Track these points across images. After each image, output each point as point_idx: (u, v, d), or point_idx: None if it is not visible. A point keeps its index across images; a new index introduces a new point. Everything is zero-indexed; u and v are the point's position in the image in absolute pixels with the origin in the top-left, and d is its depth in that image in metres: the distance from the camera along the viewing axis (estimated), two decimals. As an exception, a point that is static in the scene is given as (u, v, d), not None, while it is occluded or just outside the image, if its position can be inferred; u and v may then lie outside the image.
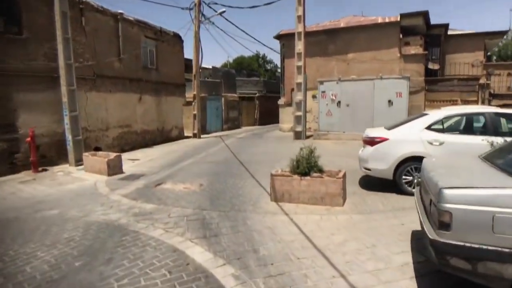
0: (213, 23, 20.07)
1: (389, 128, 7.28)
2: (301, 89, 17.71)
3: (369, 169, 7.14)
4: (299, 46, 17.66)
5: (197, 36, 18.81)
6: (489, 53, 28.71)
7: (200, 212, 6.07)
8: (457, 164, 3.88)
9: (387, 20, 20.70)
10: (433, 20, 21.45)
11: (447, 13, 69.13)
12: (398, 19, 20.30)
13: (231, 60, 41.75)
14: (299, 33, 17.61)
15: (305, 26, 17.80)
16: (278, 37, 23.83)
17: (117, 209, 6.42)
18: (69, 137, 11.02)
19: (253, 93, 30.91)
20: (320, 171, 6.35)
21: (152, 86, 16.79)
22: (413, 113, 17.60)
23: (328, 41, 21.73)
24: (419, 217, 3.38)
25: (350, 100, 17.06)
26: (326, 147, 14.51)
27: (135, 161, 12.12)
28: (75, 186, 8.59)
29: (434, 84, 20.52)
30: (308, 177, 6.22)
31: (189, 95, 20.58)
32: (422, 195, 3.80)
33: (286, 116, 23.32)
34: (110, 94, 13.86)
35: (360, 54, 21.19)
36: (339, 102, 17.22)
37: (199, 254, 4.23)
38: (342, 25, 21.79)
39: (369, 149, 7.13)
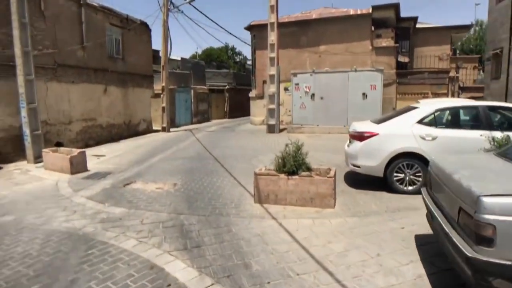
0: (182, 12, 19.16)
1: (378, 122, 6.93)
2: (274, 81, 17.23)
3: (358, 166, 6.78)
4: (272, 37, 17.14)
5: (166, 25, 17.85)
6: (453, 47, 29.43)
7: (177, 217, 5.47)
8: (478, 163, 3.50)
9: (359, 12, 20.55)
10: (402, 14, 21.53)
11: (414, 7, 70.67)
12: (370, 11, 20.20)
13: (200, 52, 40.71)
14: (272, 24, 17.08)
15: (278, 17, 17.28)
16: (249, 28, 23.20)
17: (81, 214, 5.70)
18: (26, 131, 9.99)
19: (222, 85, 30.14)
20: (308, 169, 5.91)
21: (118, 76, 15.77)
22: (385, 106, 17.66)
23: (300, 33, 21.34)
24: (431, 221, 2.96)
25: (324, 92, 16.78)
26: (300, 141, 14.17)
27: (101, 157, 11.23)
28: (33, 186, 7.71)
29: (405, 77, 20.69)
30: (296, 176, 5.76)
31: (157, 87, 19.63)
32: (435, 197, 3.40)
33: (258, 109, 22.83)
34: (72, 84, 12.79)
35: (332, 46, 20.96)
36: (313, 95, 16.91)
37: (181, 271, 3.66)
38: (314, 16, 21.45)
39: (358, 144, 6.76)
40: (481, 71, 26.11)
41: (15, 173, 9.07)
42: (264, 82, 22.41)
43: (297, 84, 17.18)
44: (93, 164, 9.92)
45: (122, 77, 16.02)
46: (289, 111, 20.97)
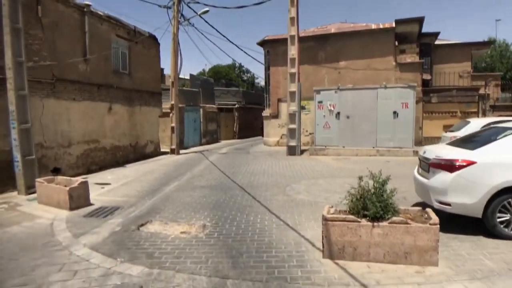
0: (192, 25, 17.87)
1: (472, 148, 5.32)
2: (295, 98, 15.76)
3: (448, 204, 5.13)
4: (292, 51, 15.77)
5: (176, 38, 16.51)
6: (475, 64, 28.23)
7: (223, 283, 3.81)
8: None
9: (381, 27, 19.32)
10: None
11: (430, 23, 70.12)
12: (393, 25, 18.99)
13: (207, 69, 39.34)
14: (292, 37, 15.74)
15: (298, 29, 15.95)
16: (262, 43, 21.95)
17: (85, 278, 4.05)
18: (17, 156, 8.39)
19: (232, 104, 28.72)
20: (395, 211, 4.27)
21: (124, 93, 14.28)
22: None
23: (318, 48, 20.08)
24: None
25: (350, 111, 15.29)
26: (328, 165, 12.62)
27: (106, 186, 9.59)
28: (21, 229, 6.04)
29: (428, 95, 19.25)
30: (384, 223, 4.12)
31: (164, 105, 18.13)
32: None
33: (272, 129, 21.33)
34: (73, 102, 11.28)
35: (352, 62, 19.67)
36: (338, 114, 15.40)
37: None
38: (333, 30, 20.23)
39: (447, 176, 5.14)
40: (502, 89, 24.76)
41: (0, 208, 7.41)
42: (279, 100, 21.03)
43: (320, 102, 15.70)
44: (96, 195, 8.29)
45: (128, 94, 14.54)
46: (306, 131, 19.54)
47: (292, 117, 15.82)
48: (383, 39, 19.29)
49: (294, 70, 15.78)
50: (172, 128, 16.91)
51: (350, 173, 10.72)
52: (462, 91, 19.27)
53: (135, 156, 15.03)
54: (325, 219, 4.34)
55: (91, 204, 7.46)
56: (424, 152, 5.99)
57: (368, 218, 4.19)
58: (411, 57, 19.51)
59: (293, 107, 15.84)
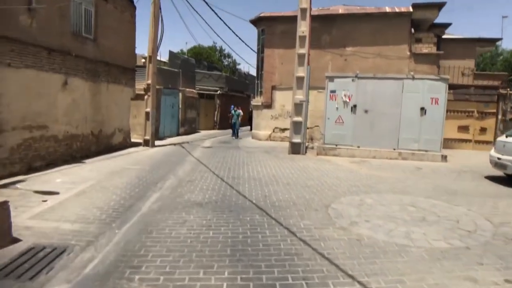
0: (177, -11, 14.48)
1: None
2: (303, 85, 12.91)
3: None
4: (303, 27, 12.88)
5: (157, 0, 13.09)
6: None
7: None
8: None
9: (397, 10, 16.76)
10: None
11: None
12: (410, 10, 16.48)
13: (186, 49, 35.23)
14: (304, 10, 12.83)
15: (311, 1, 13.01)
16: (256, 21, 18.86)
17: None
18: None
19: (214, 90, 25.38)
20: None
21: (87, 65, 10.83)
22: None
23: (322, 31, 17.29)
24: None
25: (369, 104, 12.62)
26: (352, 171, 9.95)
27: (50, 197, 6.30)
28: None
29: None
30: None
31: (137, 86, 14.68)
32: None
33: (263, 121, 18.40)
34: (8, 69, 7.79)
35: (361, 48, 17.06)
36: (354, 107, 12.69)
37: None
38: (340, 11, 17.44)
39: None
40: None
41: None
42: (274, 88, 18.11)
43: (333, 91, 12.91)
44: (31, 218, 5.10)
45: (92, 66, 11.07)
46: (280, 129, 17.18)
47: (298, 108, 12.95)
48: (397, 25, 16.78)
49: (303, 51, 12.90)
50: (147, 114, 13.56)
51: (390, 185, 8.12)
52: (480, 89, 17.12)
53: (98, 149, 11.62)
54: None
55: (15, 241, 4.28)
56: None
57: None
58: (427, 48, 17.15)
59: (300, 95, 12.98)
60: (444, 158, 12.08)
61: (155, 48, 13.52)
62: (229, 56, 42.42)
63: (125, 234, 4.68)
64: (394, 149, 12.44)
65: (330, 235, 4.77)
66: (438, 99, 12.25)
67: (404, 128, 12.39)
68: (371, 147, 12.56)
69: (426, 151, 12.25)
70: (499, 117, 16.41)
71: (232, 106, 20.18)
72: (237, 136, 19.58)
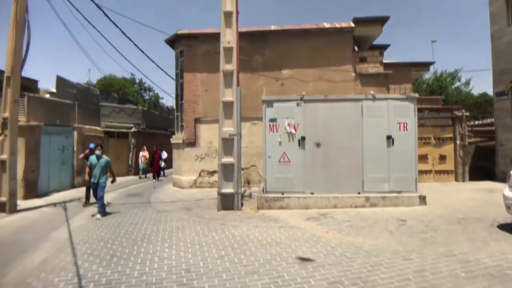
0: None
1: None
2: (232, 113, 9.44)
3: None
4: (228, 36, 9.61)
5: (25, 3, 8.96)
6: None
7: None
8: None
9: (337, 26, 14.39)
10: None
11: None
12: (352, 25, 14.24)
13: (94, 80, 30.00)
14: (228, 14, 9.63)
15: (238, 4, 9.85)
16: (173, 40, 15.36)
17: None
18: None
19: (127, 127, 20.92)
20: None
21: None
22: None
23: (253, 51, 14.38)
24: None
25: (321, 135, 9.50)
26: (306, 237, 6.15)
27: None
28: None
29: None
30: None
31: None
32: None
33: (186, 163, 14.52)
34: None
35: (299, 71, 14.32)
36: (302, 139, 9.46)
37: None
38: (273, 28, 14.65)
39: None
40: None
41: None
42: (197, 120, 14.46)
43: (273, 120, 9.58)
44: None
45: None
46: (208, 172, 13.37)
47: (227, 144, 9.37)
48: (339, 43, 14.39)
49: (230, 67, 9.52)
50: (2, 163, 8.96)
51: (392, 272, 4.67)
52: (435, 113, 15.09)
53: None
54: None
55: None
56: None
57: None
58: (373, 67, 14.89)
59: (229, 127, 9.44)
60: (423, 200, 9.18)
61: (17, 65, 9.21)
62: (150, 89, 37.90)
63: None
64: (359, 194, 9.28)
65: None
66: (406, 124, 9.51)
67: (369, 165, 9.35)
68: (329, 193, 9.27)
69: (399, 192, 9.25)
70: (457, 142, 14.33)
71: (91, 145, 11.18)
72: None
